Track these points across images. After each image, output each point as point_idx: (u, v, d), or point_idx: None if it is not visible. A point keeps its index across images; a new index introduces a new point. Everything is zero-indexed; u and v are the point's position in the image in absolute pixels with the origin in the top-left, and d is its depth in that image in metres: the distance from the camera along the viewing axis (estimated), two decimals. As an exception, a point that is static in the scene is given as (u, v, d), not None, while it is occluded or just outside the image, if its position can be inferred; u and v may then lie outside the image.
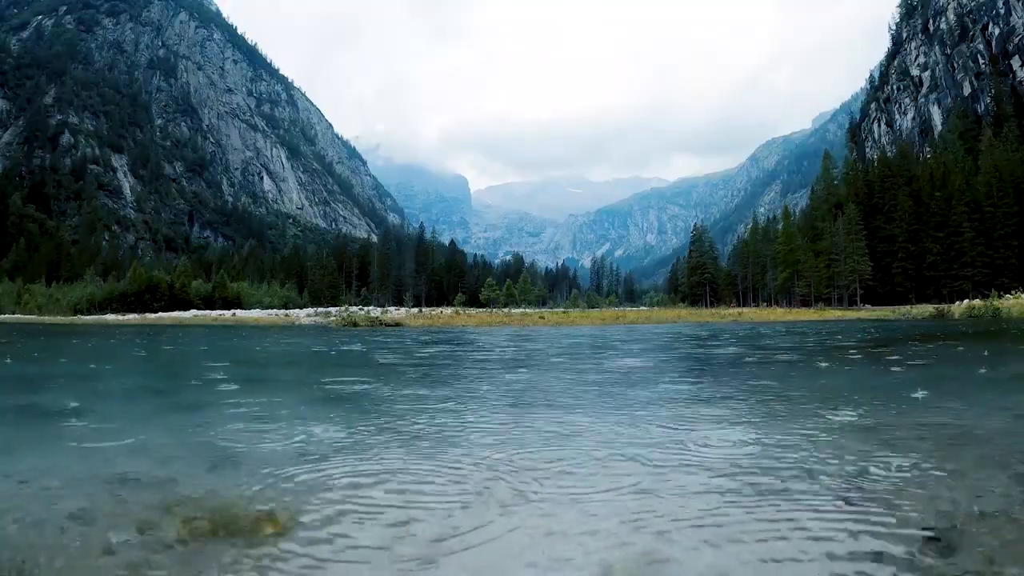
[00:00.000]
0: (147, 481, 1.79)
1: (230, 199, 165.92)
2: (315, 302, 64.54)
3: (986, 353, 7.07)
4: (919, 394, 3.49)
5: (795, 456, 1.99)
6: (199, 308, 47.28)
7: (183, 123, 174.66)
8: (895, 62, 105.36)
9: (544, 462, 1.96)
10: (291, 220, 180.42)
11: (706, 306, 62.06)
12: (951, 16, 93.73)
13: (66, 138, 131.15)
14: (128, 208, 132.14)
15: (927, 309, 28.02)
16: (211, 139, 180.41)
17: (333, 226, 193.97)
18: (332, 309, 39.65)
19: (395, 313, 27.89)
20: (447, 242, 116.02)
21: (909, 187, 56.56)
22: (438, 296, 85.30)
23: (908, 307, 36.36)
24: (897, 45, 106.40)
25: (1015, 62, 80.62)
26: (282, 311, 43.23)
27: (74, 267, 74.31)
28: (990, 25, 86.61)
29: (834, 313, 31.75)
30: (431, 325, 19.80)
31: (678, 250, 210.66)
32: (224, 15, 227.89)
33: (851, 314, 29.80)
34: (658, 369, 5.75)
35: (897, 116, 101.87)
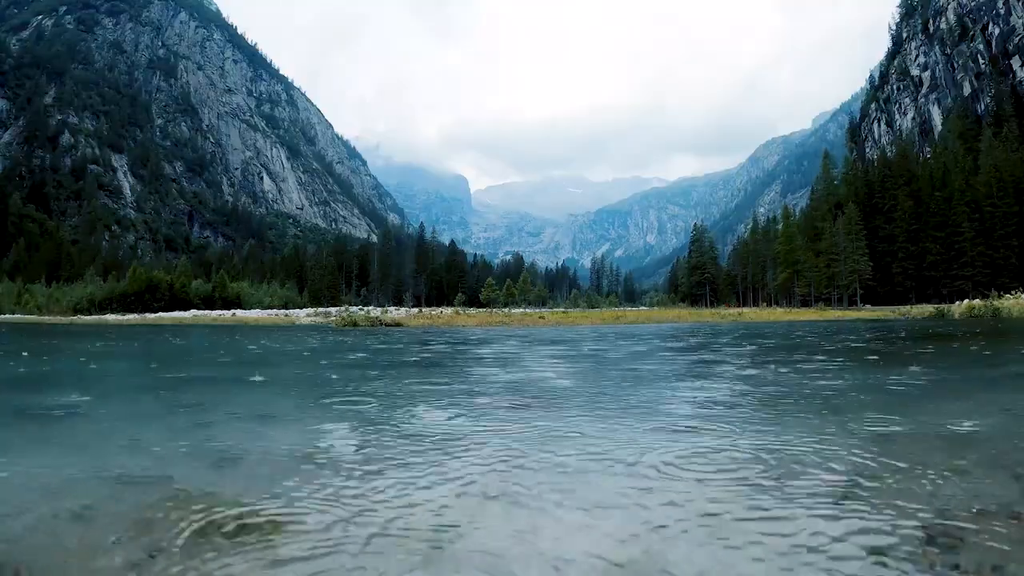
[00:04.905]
0: (147, 481, 1.79)
1: (230, 199, 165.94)
2: (315, 302, 64.52)
3: (986, 353, 7.08)
4: (918, 392, 3.49)
5: (795, 455, 1.99)
6: (199, 308, 47.28)
7: (183, 123, 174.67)
8: (895, 62, 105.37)
9: (543, 462, 1.97)
10: (291, 220, 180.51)
11: (706, 306, 62.06)
12: (951, 16, 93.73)
13: (66, 138, 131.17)
14: (128, 208, 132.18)
15: (927, 309, 28.02)
16: (211, 139, 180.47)
17: (333, 226, 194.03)
18: (332, 309, 39.65)
19: (395, 313, 27.89)
20: (447, 242, 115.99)
21: (909, 187, 56.58)
22: (438, 296, 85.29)
23: (908, 307, 36.38)
24: (897, 45, 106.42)
25: (1015, 62, 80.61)
26: (282, 311, 43.26)
27: (74, 267, 74.32)
28: (990, 25, 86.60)
29: (834, 313, 31.76)
30: (431, 325, 19.80)
31: (678, 250, 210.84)
32: (224, 15, 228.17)
33: (851, 314, 29.82)
34: (663, 371, 5.75)
35: (897, 116, 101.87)
